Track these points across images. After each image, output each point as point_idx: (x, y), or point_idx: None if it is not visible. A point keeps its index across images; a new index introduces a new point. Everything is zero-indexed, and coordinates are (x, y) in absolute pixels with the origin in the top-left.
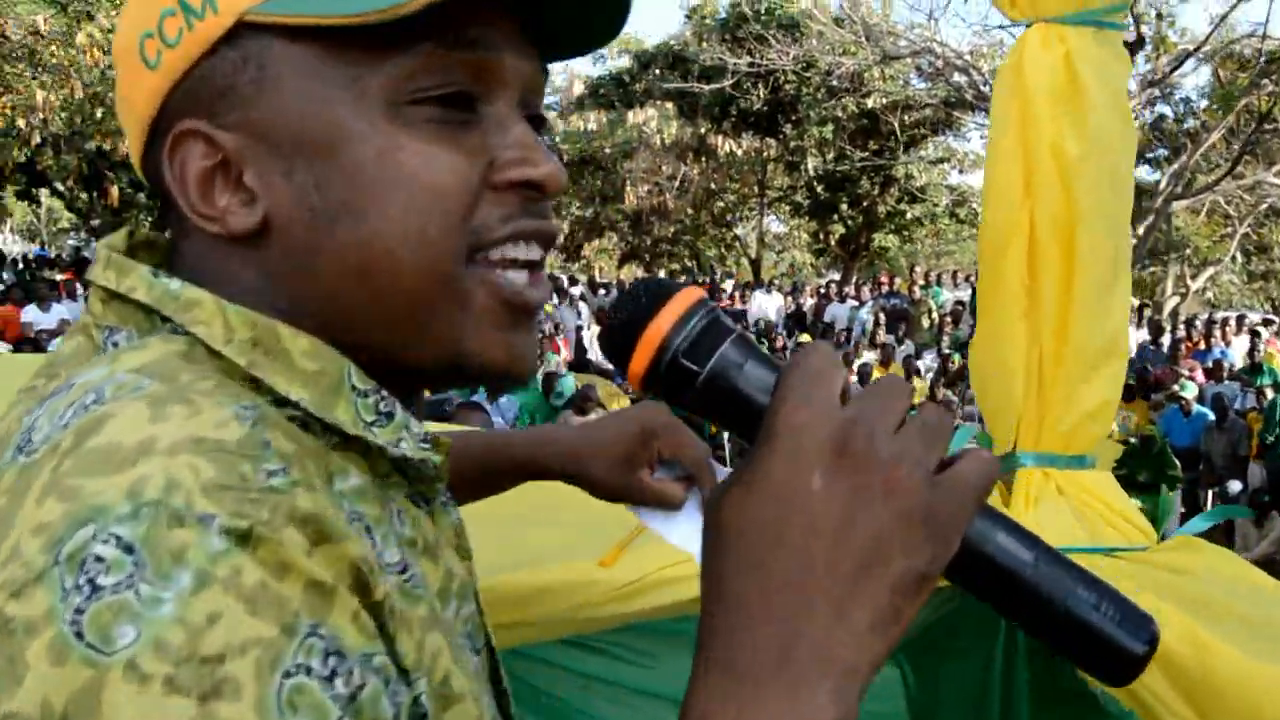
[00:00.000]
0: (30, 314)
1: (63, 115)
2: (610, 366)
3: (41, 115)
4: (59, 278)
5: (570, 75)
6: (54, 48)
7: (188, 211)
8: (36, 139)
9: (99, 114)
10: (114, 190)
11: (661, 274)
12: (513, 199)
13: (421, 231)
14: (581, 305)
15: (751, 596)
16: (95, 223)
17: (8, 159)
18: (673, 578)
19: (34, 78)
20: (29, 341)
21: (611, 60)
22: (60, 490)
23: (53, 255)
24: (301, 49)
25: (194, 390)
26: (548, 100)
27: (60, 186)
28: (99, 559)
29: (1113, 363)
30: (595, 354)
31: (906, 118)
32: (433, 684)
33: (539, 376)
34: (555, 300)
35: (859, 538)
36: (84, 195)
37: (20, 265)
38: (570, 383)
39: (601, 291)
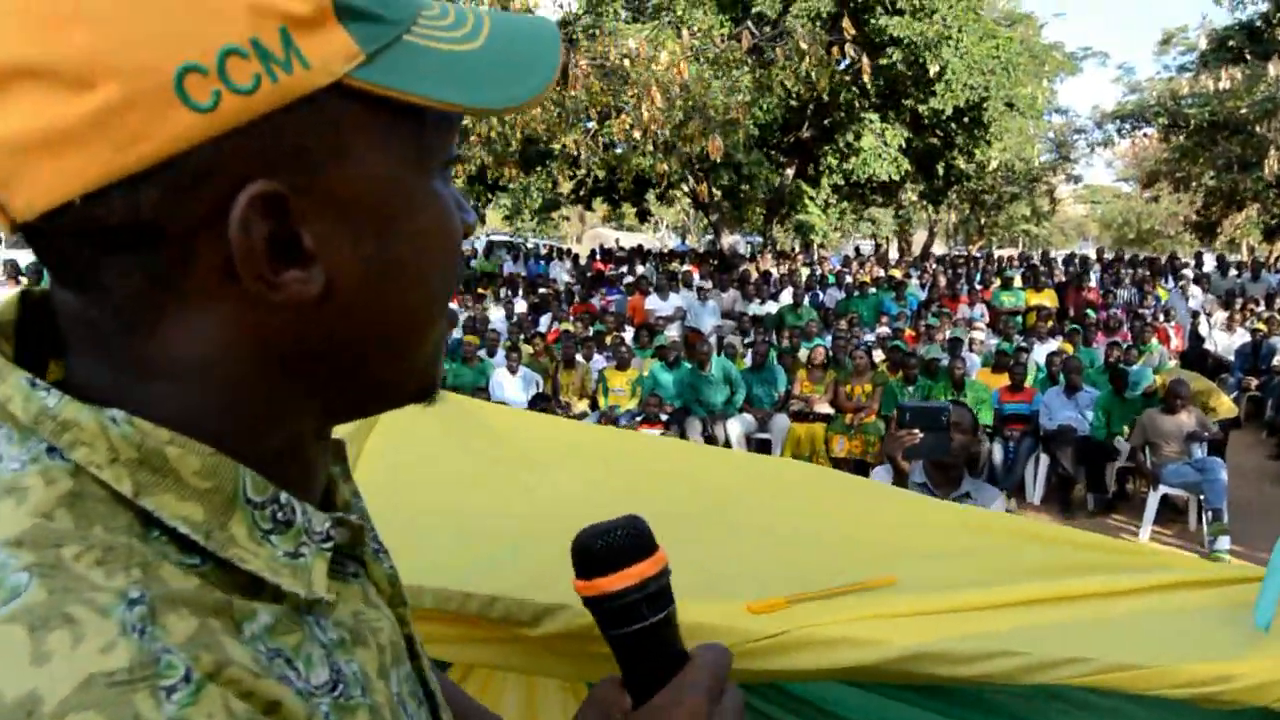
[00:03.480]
0: (652, 302)
1: (667, 128)
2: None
3: (652, 128)
4: (685, 269)
5: (1204, 27)
6: (639, 67)
7: (249, 277)
8: (650, 147)
9: (689, 123)
10: (703, 188)
11: None
12: None
13: (448, 282)
14: (1194, 289)
15: None
16: (714, 218)
17: (631, 169)
18: (819, 639)
19: (621, 95)
20: (646, 327)
21: (1251, 5)
22: None
23: (691, 248)
24: (379, 117)
25: (77, 591)
26: (1179, 60)
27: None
28: None
29: None
30: (1214, 343)
31: None
32: None
33: (1107, 367)
34: (1169, 283)
35: None
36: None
37: (657, 259)
38: (1147, 374)
39: (1233, 273)
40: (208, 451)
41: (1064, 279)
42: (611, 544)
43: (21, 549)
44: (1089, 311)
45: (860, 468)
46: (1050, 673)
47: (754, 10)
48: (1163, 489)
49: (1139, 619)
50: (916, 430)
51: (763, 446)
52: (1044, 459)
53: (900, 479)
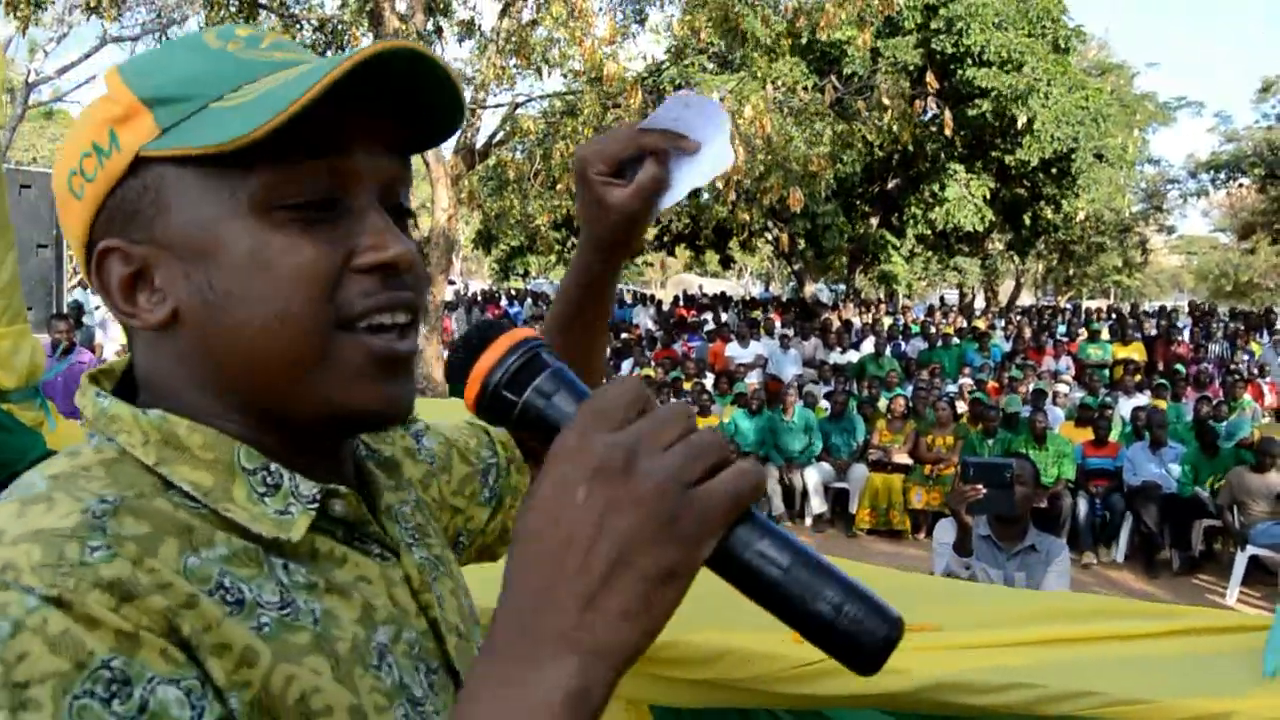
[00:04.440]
0: (732, 349)
1: (749, 179)
2: None
3: (734, 178)
4: (768, 316)
5: None
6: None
7: (115, 312)
8: (732, 197)
9: (770, 175)
10: (784, 238)
11: None
12: (372, 278)
13: (287, 310)
14: None
15: (517, 593)
16: (797, 266)
17: (712, 218)
18: None
19: None
20: (726, 373)
21: None
22: None
23: (775, 295)
24: (187, 173)
25: (69, 489)
26: (1279, 109)
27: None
28: None
29: None
30: None
31: None
32: (274, 698)
33: (1195, 423)
34: (1264, 338)
35: (609, 541)
36: (785, 240)
37: (739, 306)
38: (1245, 425)
39: None
40: (212, 432)
41: (1154, 332)
42: (456, 360)
43: (57, 479)
44: (1178, 366)
45: (938, 520)
46: (1063, 704)
47: (845, 73)
48: (1251, 549)
49: (1151, 659)
50: (980, 486)
51: (840, 496)
52: (1128, 516)
53: (964, 533)
